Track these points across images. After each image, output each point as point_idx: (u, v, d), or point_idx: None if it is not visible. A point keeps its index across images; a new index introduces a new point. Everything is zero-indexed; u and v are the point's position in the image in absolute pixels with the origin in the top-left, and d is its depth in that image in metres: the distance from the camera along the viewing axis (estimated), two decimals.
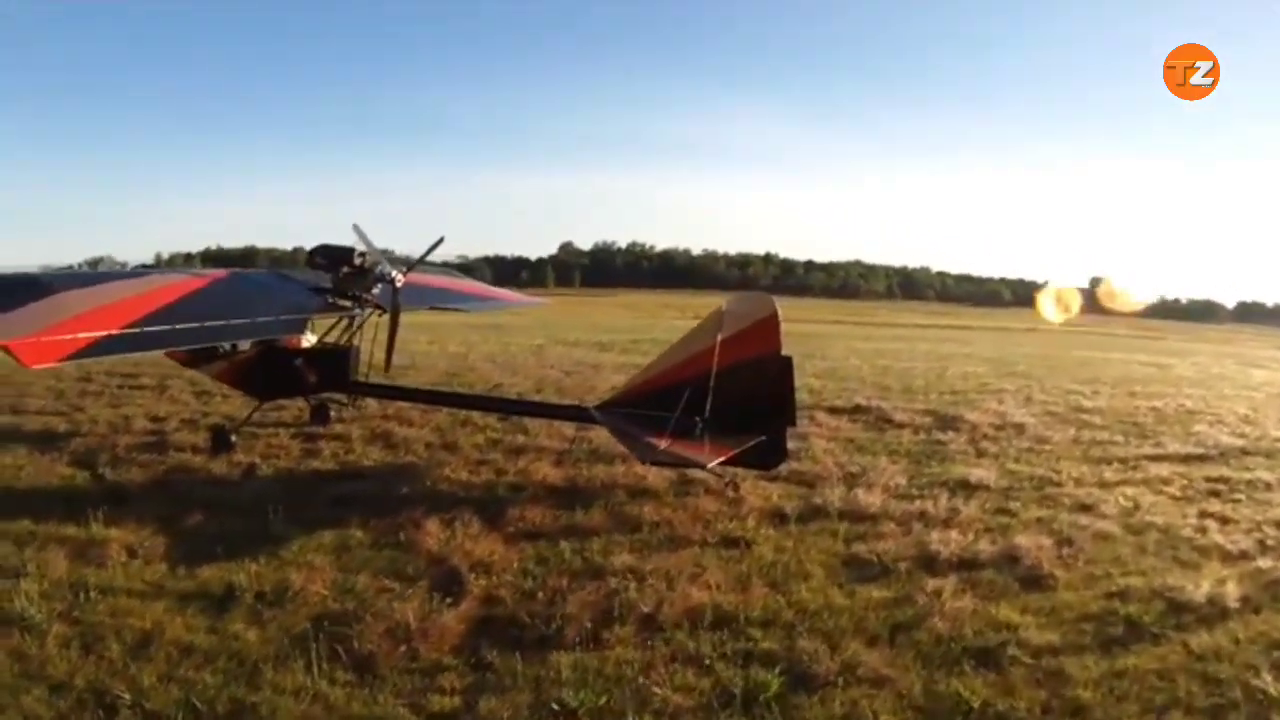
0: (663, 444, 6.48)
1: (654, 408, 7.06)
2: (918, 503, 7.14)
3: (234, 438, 8.38)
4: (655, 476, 7.61)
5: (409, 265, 8.88)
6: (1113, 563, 5.98)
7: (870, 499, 7.10)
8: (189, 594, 4.92)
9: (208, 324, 6.55)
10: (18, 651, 4.11)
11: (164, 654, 4.19)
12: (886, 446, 9.46)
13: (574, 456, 8.51)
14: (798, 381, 13.76)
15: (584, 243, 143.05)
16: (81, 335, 5.50)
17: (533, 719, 3.85)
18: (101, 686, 3.85)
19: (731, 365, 6.90)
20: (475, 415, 9.71)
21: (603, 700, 3.98)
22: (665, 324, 33.94)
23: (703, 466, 6.53)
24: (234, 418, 9.02)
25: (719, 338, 6.94)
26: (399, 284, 8.43)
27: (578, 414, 8.45)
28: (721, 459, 6.55)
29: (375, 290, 8.52)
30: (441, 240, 8.84)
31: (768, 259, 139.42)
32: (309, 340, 8.96)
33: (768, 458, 7.10)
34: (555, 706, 3.91)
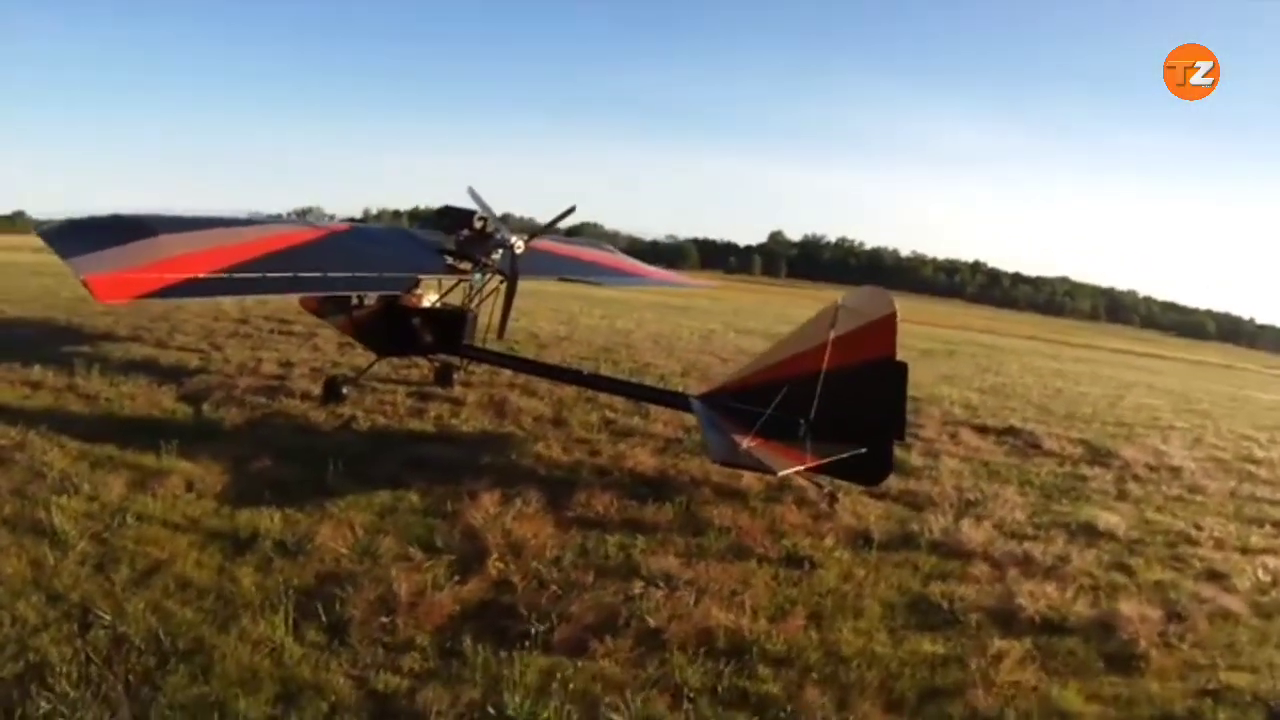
0: (745, 442, 6.26)
1: (753, 402, 6.82)
2: (1026, 545, 6.59)
3: (345, 390, 9.12)
4: (752, 478, 7.38)
5: (532, 233, 9.10)
6: (1223, 650, 5.16)
7: (974, 534, 6.59)
8: (217, 533, 5.43)
9: (301, 274, 7.00)
10: (36, 561, 4.76)
11: (162, 585, 4.67)
12: (1022, 475, 8.97)
13: (684, 446, 8.46)
14: (957, 394, 13.82)
15: (794, 234, 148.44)
16: (167, 275, 6.05)
17: (464, 718, 3.80)
18: (90, 604, 4.35)
19: (840, 366, 6.59)
20: (603, 394, 9.85)
21: (545, 714, 3.85)
22: None
23: (774, 474, 6.25)
24: (360, 370, 9.82)
25: (832, 335, 6.64)
26: (518, 250, 8.68)
27: (678, 401, 8.29)
28: (799, 468, 6.35)
29: (496, 256, 8.82)
30: (572, 209, 8.99)
31: (975, 267, 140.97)
32: (429, 301, 9.52)
33: (868, 472, 6.75)
34: (491, 710, 3.85)
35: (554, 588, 5.12)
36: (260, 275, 6.69)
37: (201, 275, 6.27)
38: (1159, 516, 7.96)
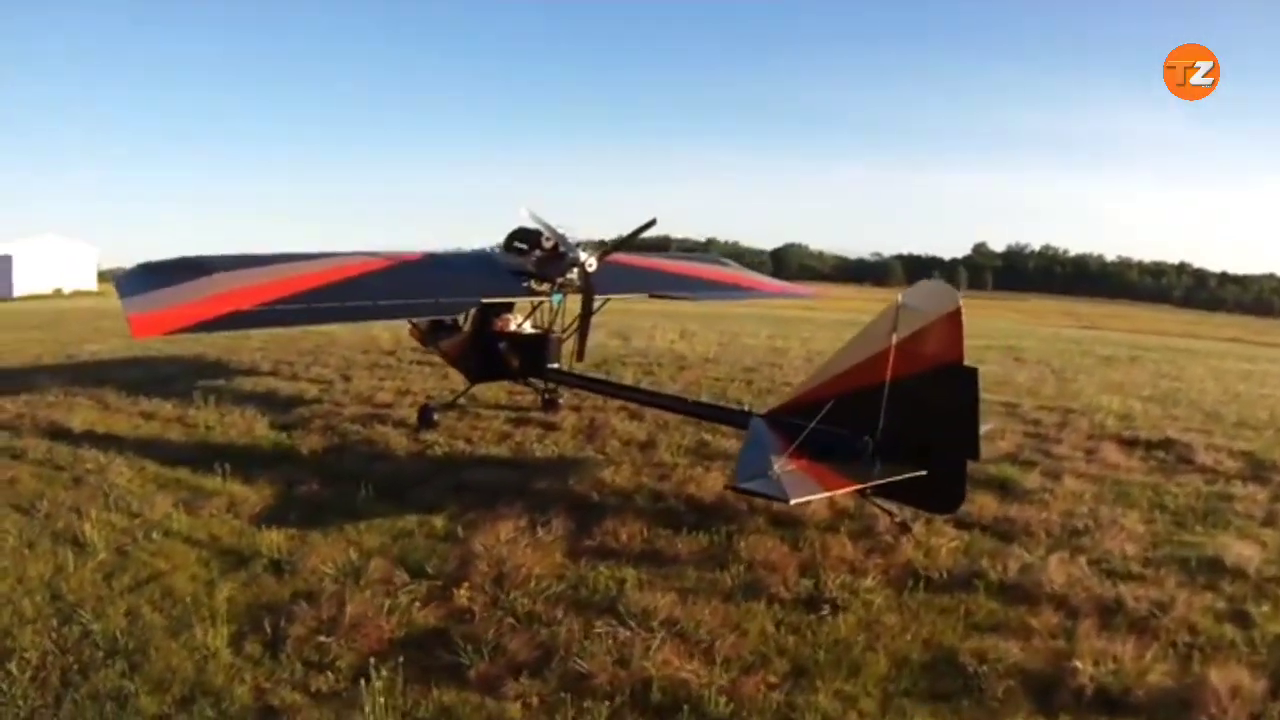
0: (779, 464, 6.15)
1: (807, 419, 6.66)
2: (1122, 587, 5.89)
3: (437, 417, 10.04)
4: (820, 505, 7.18)
5: (605, 249, 9.42)
6: None
7: (1060, 573, 6.02)
8: (228, 549, 6.34)
9: (349, 304, 7.79)
10: (59, 566, 5.92)
11: (148, 593, 5.60)
12: (1155, 497, 8.18)
13: None
14: (1118, 404, 12.76)
15: (997, 244, 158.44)
16: (208, 310, 6.92)
17: None
18: (80, 603, 5.37)
19: (905, 375, 6.33)
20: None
21: None
22: (1041, 331, 35.06)
23: (786, 502, 6.00)
24: (478, 399, 10.76)
25: (894, 339, 6.37)
26: (590, 268, 9.07)
27: (740, 419, 8.14)
28: (823, 495, 6.33)
29: (572, 275, 9.27)
30: (652, 223, 9.20)
31: (1181, 269, 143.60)
32: (515, 325, 10.18)
33: (936, 498, 6.46)
34: None
35: (510, 620, 5.30)
36: (305, 306, 7.45)
37: (245, 309, 7.07)
38: None
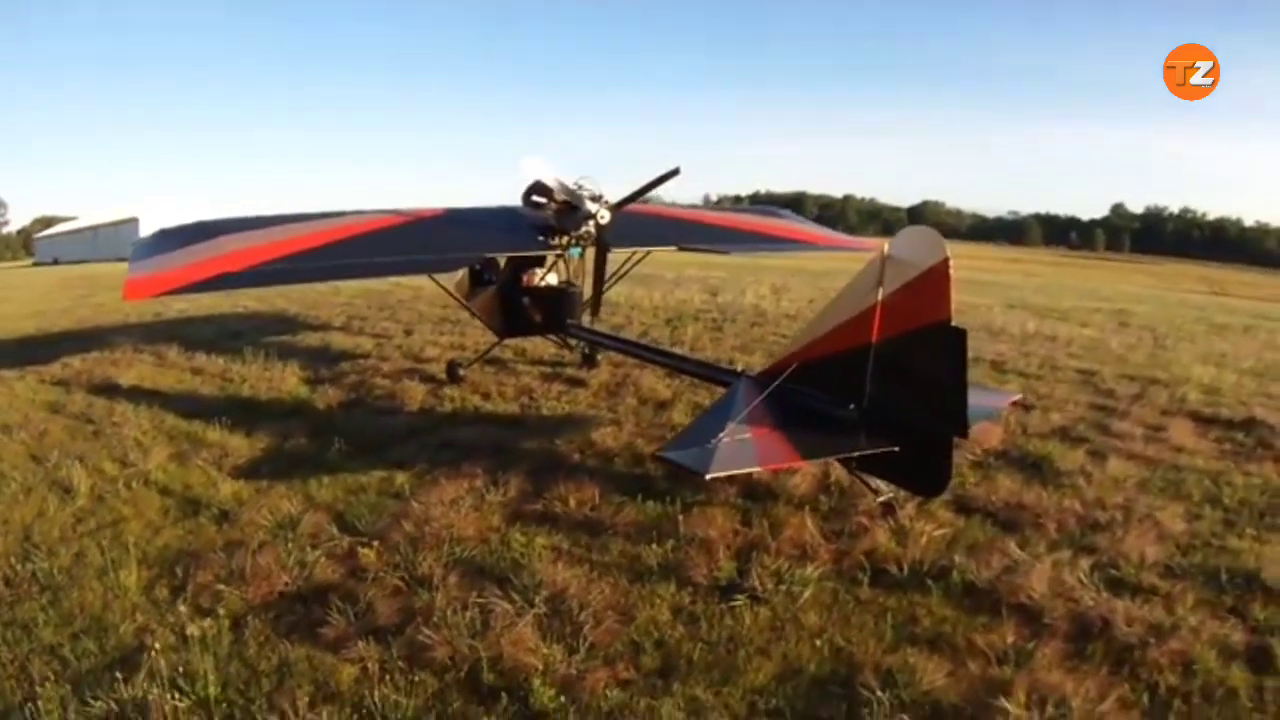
0: (731, 430, 5.87)
1: (792, 381, 6.46)
2: (1119, 602, 5.13)
3: (463, 372, 10.58)
4: (806, 479, 6.95)
5: (620, 201, 9.38)
6: None
7: (1044, 578, 5.35)
8: (189, 499, 7.05)
9: (348, 261, 8.19)
10: (41, 509, 6.90)
11: (99, 538, 6.40)
12: (1213, 489, 7.23)
13: None
14: (1210, 376, 11.60)
15: (1136, 206, 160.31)
16: (198, 273, 7.36)
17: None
18: (41, 544, 6.30)
19: (889, 337, 5.95)
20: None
21: (213, 693, 4.56)
22: (1168, 296, 33.27)
23: (702, 476, 5.59)
24: (525, 354, 11.26)
25: (881, 295, 5.97)
26: (603, 221, 9.15)
27: (728, 379, 7.78)
28: (759, 469, 6.13)
29: (587, 228, 9.39)
30: (675, 172, 9.02)
31: None
32: (539, 279, 10.38)
33: (917, 478, 6.01)
34: (184, 680, 4.62)
35: (398, 583, 5.50)
36: (295, 266, 7.77)
37: (234, 270, 7.47)
38: None
